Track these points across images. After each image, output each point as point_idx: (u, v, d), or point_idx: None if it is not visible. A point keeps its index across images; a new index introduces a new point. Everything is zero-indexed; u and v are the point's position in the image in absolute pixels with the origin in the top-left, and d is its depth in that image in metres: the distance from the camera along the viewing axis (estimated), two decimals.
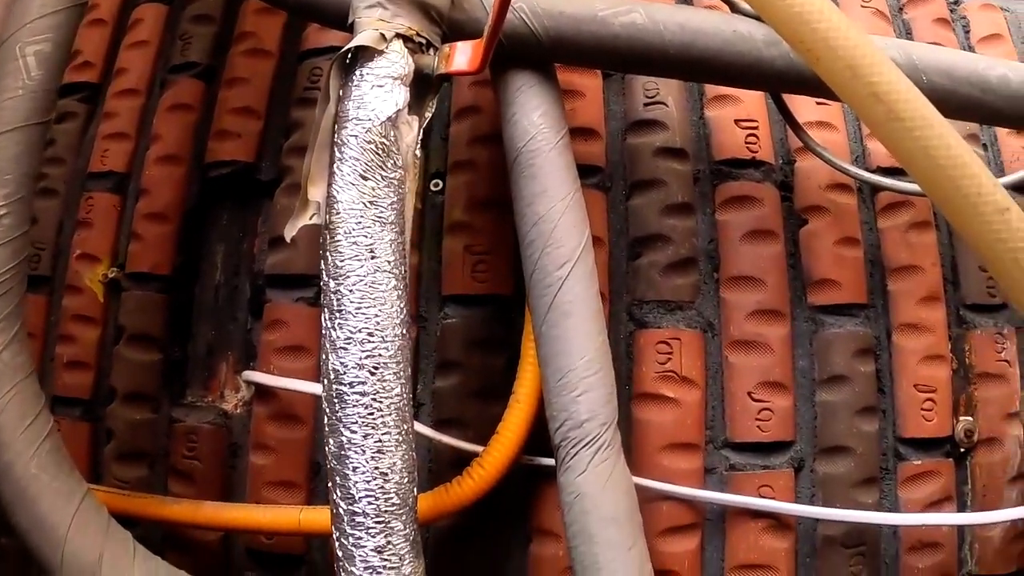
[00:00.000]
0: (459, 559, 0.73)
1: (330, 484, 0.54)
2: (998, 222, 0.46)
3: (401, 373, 0.56)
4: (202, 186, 0.81)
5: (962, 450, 0.77)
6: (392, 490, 0.55)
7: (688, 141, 0.76)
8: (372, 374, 0.55)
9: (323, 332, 0.55)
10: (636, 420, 0.72)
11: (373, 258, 0.56)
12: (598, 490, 0.60)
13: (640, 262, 0.74)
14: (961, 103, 0.72)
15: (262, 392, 0.77)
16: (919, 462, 0.75)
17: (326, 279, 0.56)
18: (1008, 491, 0.78)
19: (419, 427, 0.72)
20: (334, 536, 0.54)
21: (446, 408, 0.73)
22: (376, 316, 0.55)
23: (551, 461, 0.62)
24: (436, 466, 0.74)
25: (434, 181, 0.77)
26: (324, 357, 0.55)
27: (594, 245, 0.72)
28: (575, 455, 0.60)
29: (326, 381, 0.55)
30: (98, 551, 0.60)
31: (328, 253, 0.56)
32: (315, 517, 0.70)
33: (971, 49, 0.91)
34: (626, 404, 0.72)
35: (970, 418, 0.77)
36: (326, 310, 0.55)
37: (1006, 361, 0.79)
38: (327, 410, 0.55)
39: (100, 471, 0.80)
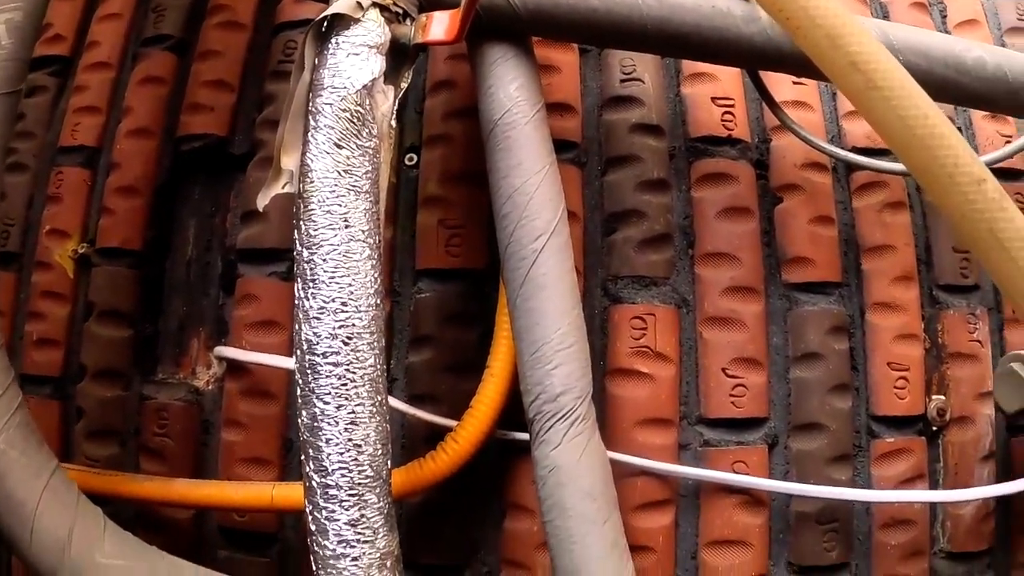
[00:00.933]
0: (433, 534, 0.72)
1: (303, 457, 0.53)
2: (974, 192, 0.46)
3: (375, 344, 0.55)
4: (174, 160, 0.80)
5: (934, 428, 0.77)
6: (366, 462, 0.54)
7: (664, 118, 0.76)
8: (346, 344, 0.54)
9: (296, 302, 0.54)
10: (610, 395, 0.72)
11: (347, 227, 0.56)
12: (572, 463, 0.60)
13: (615, 237, 0.74)
14: (937, 84, 0.73)
15: (234, 368, 0.76)
16: (892, 440, 0.76)
17: (299, 248, 0.55)
18: (980, 469, 0.78)
19: (393, 401, 0.71)
20: (307, 509, 0.54)
21: (420, 383, 0.73)
22: (350, 286, 0.55)
23: (525, 436, 0.62)
24: (410, 441, 0.73)
25: (409, 155, 0.77)
26: (297, 328, 0.54)
27: (569, 220, 0.72)
28: (550, 428, 0.60)
29: (299, 352, 0.55)
30: (68, 527, 0.59)
31: (302, 222, 0.56)
32: (288, 494, 0.69)
33: (948, 32, 0.92)
34: (600, 379, 0.72)
35: (943, 397, 0.78)
36: (299, 280, 0.55)
37: (978, 341, 0.79)
38: (300, 381, 0.54)
39: (71, 449, 0.79)
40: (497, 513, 0.72)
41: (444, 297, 0.73)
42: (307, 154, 0.56)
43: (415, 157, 0.76)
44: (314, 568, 0.53)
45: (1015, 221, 0.46)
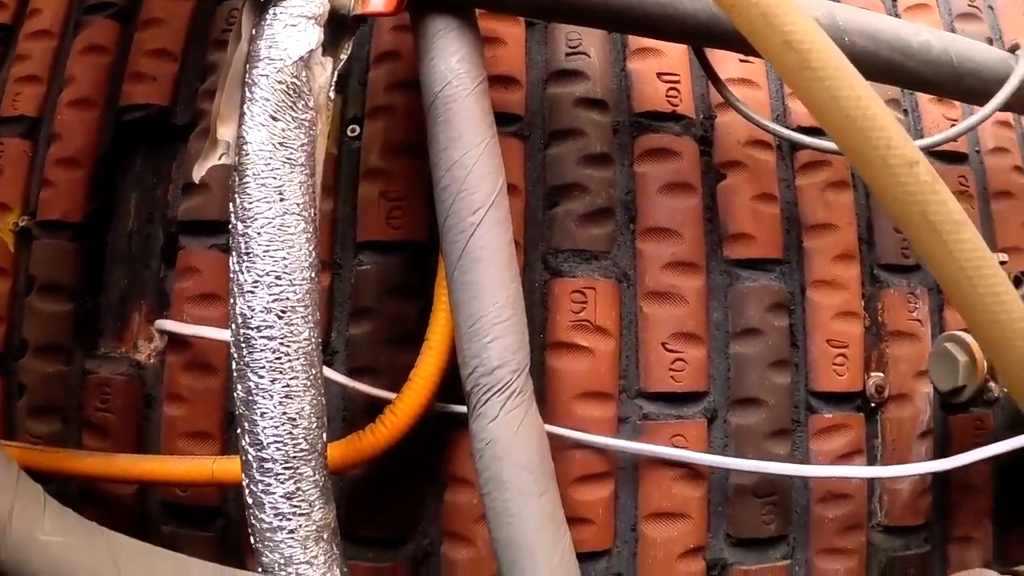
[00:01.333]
0: (374, 507, 0.72)
1: (239, 431, 0.53)
2: (906, 175, 0.47)
3: (309, 317, 0.55)
4: (116, 131, 0.79)
5: (873, 405, 0.78)
6: (300, 435, 0.54)
7: (609, 92, 0.76)
8: (280, 318, 0.54)
9: (231, 276, 0.54)
10: (550, 369, 0.72)
11: (282, 200, 0.55)
12: (509, 437, 0.60)
13: (556, 211, 0.74)
14: (883, 66, 0.73)
15: (175, 341, 0.75)
16: (830, 415, 0.76)
17: (235, 221, 0.55)
18: (917, 446, 0.79)
19: (332, 374, 0.71)
20: (244, 483, 0.53)
21: (360, 355, 0.72)
22: (284, 259, 0.54)
23: (464, 408, 0.62)
24: (351, 414, 0.73)
25: (351, 127, 0.76)
26: (232, 301, 0.54)
27: (510, 194, 0.72)
28: (486, 402, 0.60)
29: (234, 326, 0.54)
30: (8, 506, 0.58)
31: (237, 195, 0.55)
32: (229, 467, 0.69)
33: (897, 16, 0.92)
34: (540, 353, 0.72)
35: (881, 374, 0.78)
36: (234, 253, 0.54)
37: (918, 320, 0.80)
38: (235, 355, 0.54)
39: (14, 427, 0.78)
40: (438, 486, 0.72)
41: (385, 269, 0.73)
42: (243, 126, 0.56)
43: (357, 129, 0.76)
44: (252, 541, 0.53)
45: (947, 204, 0.47)
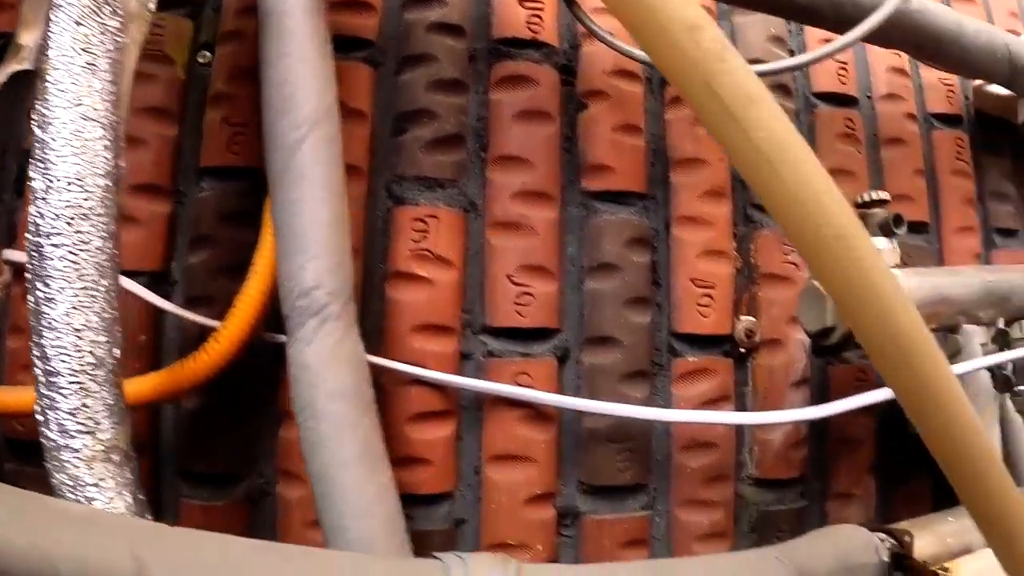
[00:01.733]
0: (207, 443, 0.69)
1: (31, 343, 0.51)
2: (686, 40, 0.43)
3: (102, 226, 0.52)
4: None
5: (743, 350, 0.74)
6: (87, 349, 0.51)
7: (467, 18, 0.73)
8: (70, 224, 0.51)
9: (28, 182, 0.52)
10: (389, 299, 0.68)
11: (78, 106, 0.53)
12: (322, 363, 0.57)
13: (404, 138, 0.70)
14: None
15: (20, 272, 0.73)
16: (694, 359, 0.72)
17: (35, 128, 0.52)
18: (791, 395, 0.75)
19: (163, 303, 0.68)
20: (36, 399, 0.51)
21: (196, 285, 0.70)
22: (77, 165, 0.52)
23: None
24: (185, 344, 0.70)
25: (202, 52, 0.73)
26: (30, 210, 0.52)
27: (357, 120, 0.70)
28: (302, 325, 0.57)
29: (28, 234, 0.52)
30: None
31: (37, 101, 0.53)
32: None
33: None
34: (380, 283, 0.69)
35: (752, 318, 0.74)
36: (32, 161, 0.52)
37: (793, 263, 0.76)
38: (28, 265, 0.51)
39: None
40: (272, 422, 0.69)
41: (223, 196, 0.70)
42: (47, 31, 0.54)
43: (208, 55, 0.73)
44: (45, 461, 0.50)
45: (736, 74, 0.42)
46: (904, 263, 0.74)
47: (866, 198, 0.71)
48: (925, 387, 0.40)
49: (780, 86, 0.80)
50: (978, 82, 0.90)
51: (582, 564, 0.67)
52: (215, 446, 0.69)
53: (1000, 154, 0.94)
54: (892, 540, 0.60)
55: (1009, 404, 0.77)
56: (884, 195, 0.71)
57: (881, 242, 0.70)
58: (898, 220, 0.70)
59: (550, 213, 0.70)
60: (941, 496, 0.75)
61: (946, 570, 0.60)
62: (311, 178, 0.59)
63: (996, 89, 0.88)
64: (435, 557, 0.47)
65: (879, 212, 0.71)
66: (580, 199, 0.72)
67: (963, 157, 0.89)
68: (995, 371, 0.73)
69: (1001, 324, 0.75)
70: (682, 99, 0.75)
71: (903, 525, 0.63)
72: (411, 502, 0.67)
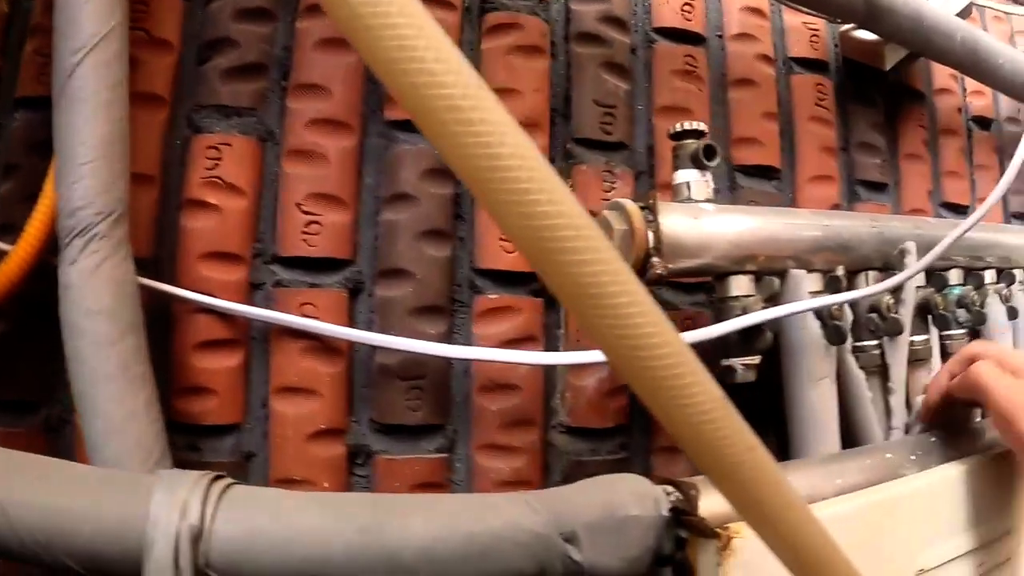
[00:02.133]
0: (6, 366, 0.70)
1: None
2: None
3: None
4: None
5: None
6: None
7: None
8: None
9: None
10: (181, 228, 0.68)
11: None
12: (84, 281, 0.58)
13: (206, 67, 0.70)
14: None
15: None
16: (496, 296, 0.69)
17: None
18: None
19: None
20: None
21: (3, 213, 0.71)
22: None
23: None
24: None
25: None
26: None
27: (162, 49, 0.69)
28: (68, 245, 0.58)
29: None
30: None
31: None
32: None
33: None
34: (175, 213, 0.68)
35: None
36: None
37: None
38: None
39: None
40: None
41: (32, 124, 0.71)
42: None
43: None
44: None
45: None
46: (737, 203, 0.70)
47: (678, 128, 0.67)
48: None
49: (615, 19, 0.76)
50: (846, 27, 0.84)
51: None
52: (13, 372, 0.70)
53: (870, 104, 0.88)
54: (680, 494, 0.55)
55: (850, 359, 0.71)
56: (699, 125, 0.67)
57: (691, 174, 0.66)
58: (709, 151, 0.66)
59: (346, 142, 0.69)
60: (782, 455, 0.70)
61: (726, 529, 0.54)
62: (85, 101, 0.60)
63: (862, 34, 0.82)
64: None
65: (691, 143, 0.66)
66: (381, 129, 0.70)
67: (824, 104, 0.83)
68: (825, 320, 0.67)
69: (840, 272, 0.69)
70: (502, 29, 0.73)
71: (698, 480, 0.58)
72: (198, 432, 0.66)
